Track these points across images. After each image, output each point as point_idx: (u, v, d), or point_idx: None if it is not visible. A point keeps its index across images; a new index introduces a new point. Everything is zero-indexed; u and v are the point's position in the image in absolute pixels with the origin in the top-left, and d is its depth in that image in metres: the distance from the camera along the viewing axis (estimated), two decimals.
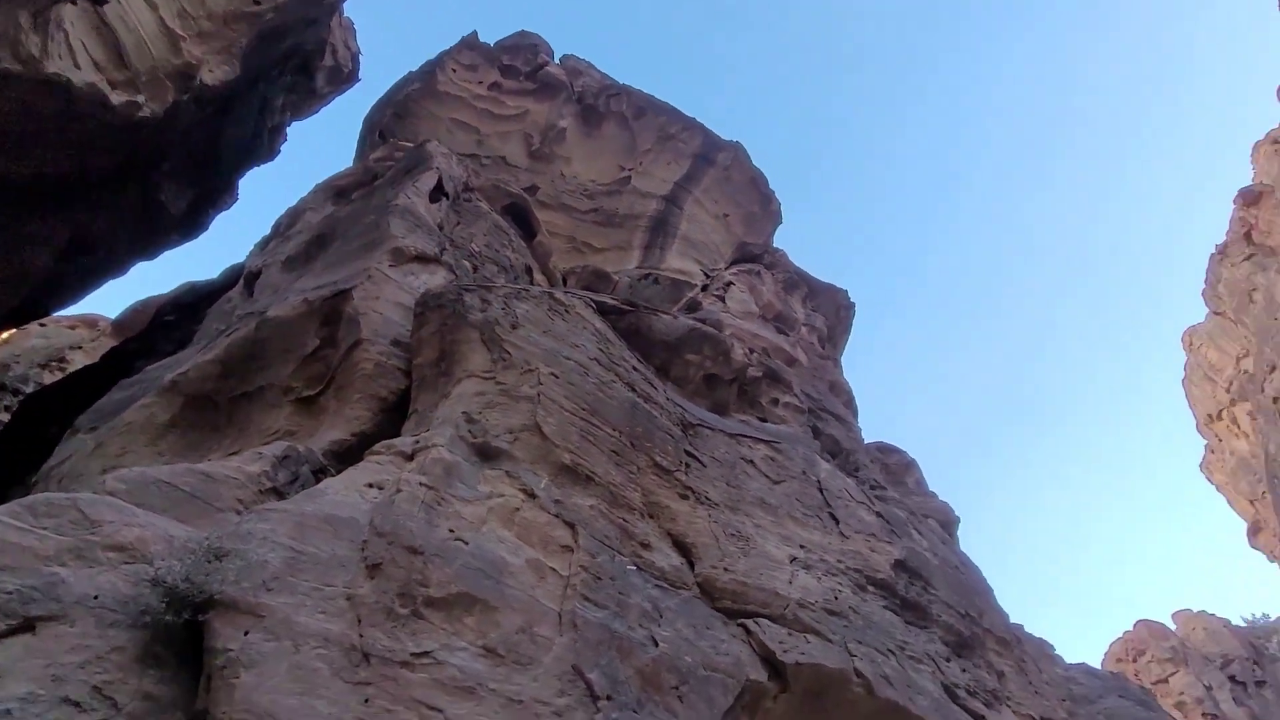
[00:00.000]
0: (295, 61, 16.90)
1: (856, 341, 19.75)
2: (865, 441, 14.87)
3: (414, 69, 17.12)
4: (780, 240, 20.27)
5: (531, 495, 6.19)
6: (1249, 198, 28.12)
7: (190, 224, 15.74)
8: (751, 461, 9.20)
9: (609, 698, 5.18)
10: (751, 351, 12.53)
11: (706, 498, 7.89)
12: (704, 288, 16.28)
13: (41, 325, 18.37)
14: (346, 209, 11.31)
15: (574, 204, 16.38)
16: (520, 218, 14.49)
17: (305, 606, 4.57)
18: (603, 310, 9.82)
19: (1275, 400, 26.20)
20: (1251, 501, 30.48)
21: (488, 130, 16.55)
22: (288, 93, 17.29)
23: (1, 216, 12.05)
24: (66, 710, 3.63)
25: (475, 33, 17.23)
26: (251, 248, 13.23)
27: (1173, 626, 34.46)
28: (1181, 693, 30.30)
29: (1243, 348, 28.61)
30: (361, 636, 4.59)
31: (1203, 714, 29.47)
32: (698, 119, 18.14)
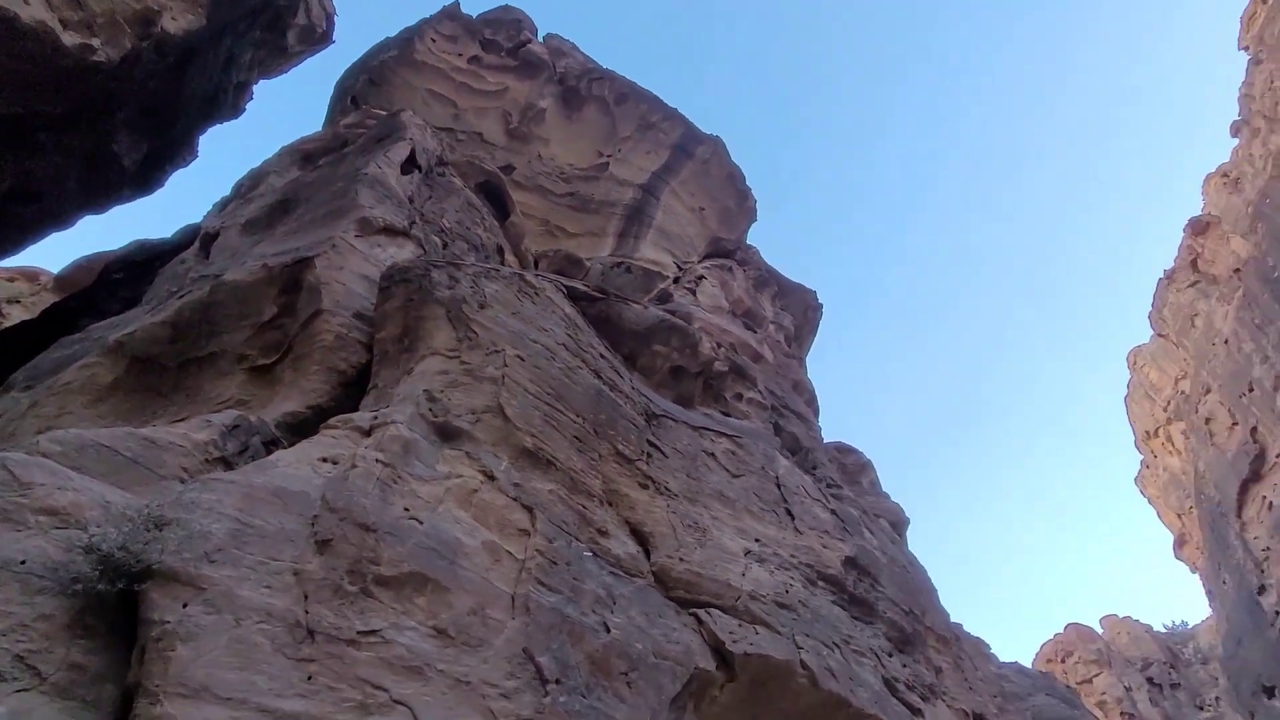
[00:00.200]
0: (266, 17, 16.19)
1: (820, 343, 20.09)
2: (824, 441, 15.16)
3: (392, 35, 16.61)
4: (752, 238, 20.43)
5: (491, 477, 6.13)
6: (1197, 227, 29.47)
7: (144, 179, 15.00)
8: (713, 454, 9.29)
9: (558, 681, 5.18)
10: (719, 346, 12.61)
11: (666, 488, 7.93)
12: (676, 280, 16.29)
13: None
14: (313, 174, 10.94)
15: (550, 186, 16.16)
16: (494, 196, 14.25)
17: (249, 580, 4.44)
18: (573, 296, 9.75)
19: (1207, 421, 27.66)
20: (1179, 516, 32.19)
21: (465, 105, 16.18)
22: (256, 49, 16.57)
23: None
24: None
25: (457, 3, 16.79)
26: (209, 208, 12.71)
27: (1100, 630, 36.32)
28: (1103, 692, 32.01)
29: (1181, 369, 30.09)
30: (307, 613, 4.49)
31: (1121, 713, 31.19)
32: (679, 110, 18.09)
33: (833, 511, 10.43)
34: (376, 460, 5.50)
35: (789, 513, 9.49)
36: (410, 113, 12.91)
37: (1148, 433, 33.13)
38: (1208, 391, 27.57)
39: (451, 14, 16.49)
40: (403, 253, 8.54)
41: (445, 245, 10.10)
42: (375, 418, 6.01)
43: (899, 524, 15.24)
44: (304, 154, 12.56)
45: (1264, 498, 24.62)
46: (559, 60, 17.04)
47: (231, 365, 7.61)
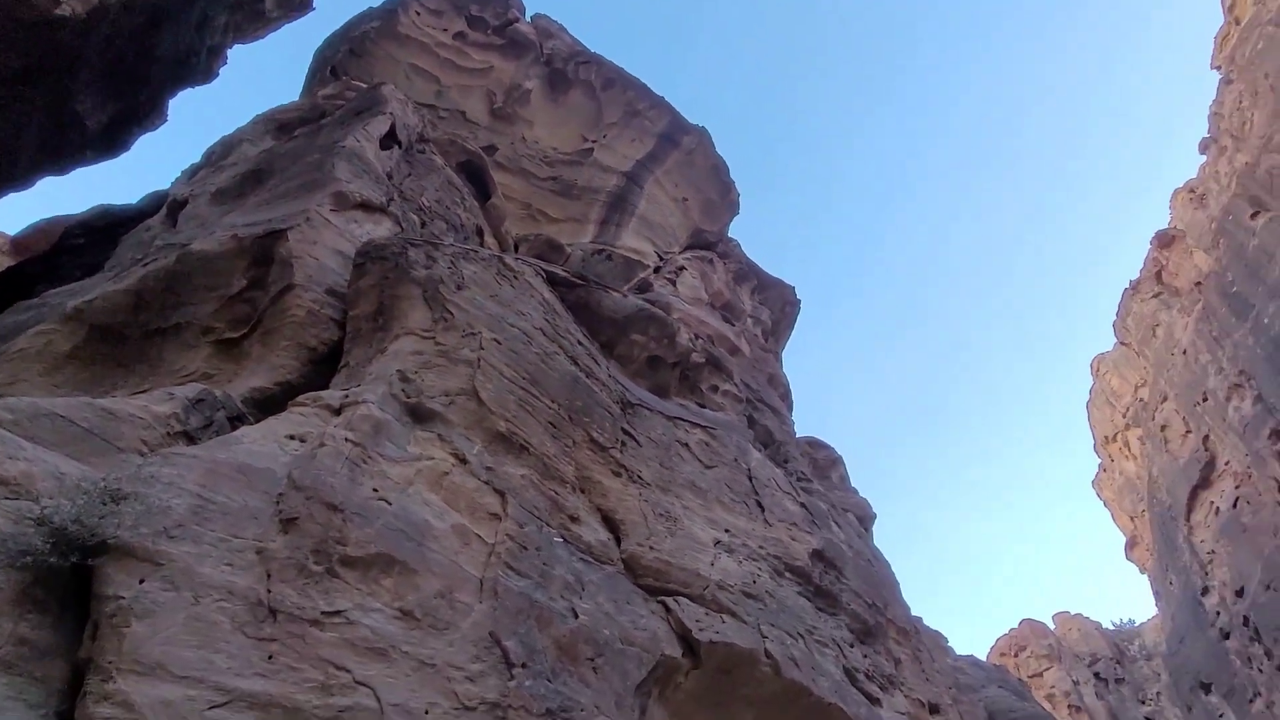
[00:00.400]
0: None
1: (794, 338, 20.27)
2: (797, 435, 15.34)
3: (375, 5, 16.16)
4: (733, 231, 20.46)
5: (463, 460, 6.07)
6: (1163, 240, 30.35)
7: (109, 141, 14.41)
8: (686, 445, 9.33)
9: (524, 665, 5.18)
10: (697, 338, 12.64)
11: (639, 477, 7.95)
12: (656, 270, 16.26)
13: None
14: (288, 145, 10.63)
15: (533, 170, 15.96)
16: (475, 177, 14.03)
17: (210, 557, 4.34)
18: (553, 281, 9.66)
19: (1162, 428, 28.64)
20: (1132, 518, 33.37)
21: (449, 81, 15.86)
22: (232, 12, 15.98)
23: None
24: None
25: None
26: (178, 175, 12.29)
27: (1052, 626, 37.63)
28: (1053, 686, 33.21)
29: (1142, 377, 31.06)
30: (270, 592, 4.41)
31: (1069, 706, 32.41)
32: (666, 99, 17.98)
33: (802, 505, 10.57)
34: (346, 439, 5.40)
35: (759, 504, 9.59)
36: (391, 86, 12.61)
37: (1107, 437, 34.20)
38: (1165, 400, 28.53)
39: None
40: (379, 229, 8.36)
41: (423, 224, 9.92)
42: (346, 396, 5.91)
43: (866, 519, 15.53)
44: (279, 123, 12.20)
45: (1212, 503, 25.63)
46: (546, 41, 16.78)
47: (197, 338, 7.40)
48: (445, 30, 15.90)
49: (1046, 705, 27.42)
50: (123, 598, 3.92)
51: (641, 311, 10.88)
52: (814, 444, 17.08)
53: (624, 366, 10.40)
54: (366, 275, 7.08)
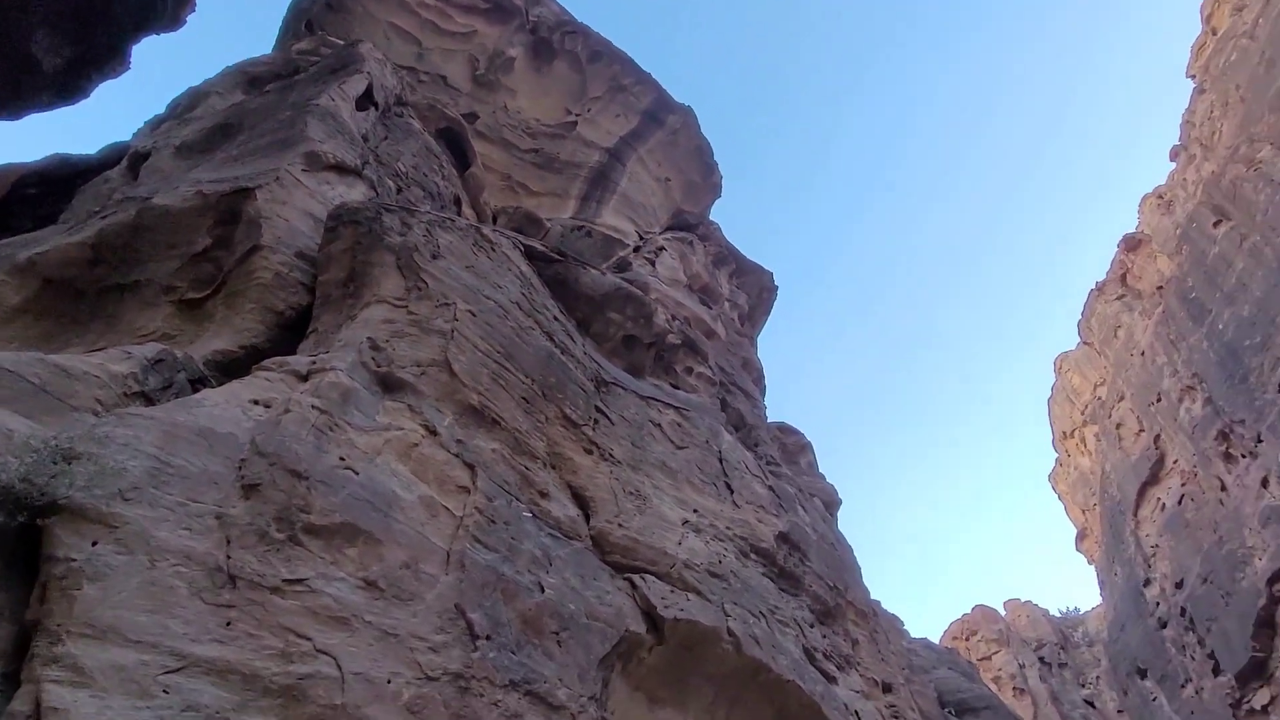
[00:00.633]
0: None
1: (768, 323, 20.42)
2: (768, 420, 15.52)
3: None
4: (712, 214, 20.38)
5: (433, 432, 5.99)
6: (1130, 244, 31.19)
7: (67, 86, 13.67)
8: (659, 425, 9.36)
9: (488, 638, 5.19)
10: (674, 319, 12.64)
11: (610, 455, 7.96)
12: (636, 249, 16.15)
13: None
14: (259, 100, 10.22)
15: (514, 140, 15.63)
16: (455, 144, 13.70)
17: (167, 521, 4.23)
18: (530, 255, 9.53)
19: (1118, 426, 29.69)
20: (1084, 511, 34.69)
21: (430, 44, 15.38)
22: None
23: None
24: None
25: None
26: (140, 126, 11.74)
27: (1003, 613, 39.18)
28: (1000, 669, 34.68)
29: (1101, 377, 32.08)
30: (229, 558, 4.32)
31: (1014, 688, 33.88)
32: (652, 75, 17.72)
33: (770, 488, 10.73)
34: (313, 406, 5.29)
35: (728, 486, 9.70)
36: (370, 45, 12.17)
37: (1065, 433, 35.36)
38: (1121, 399, 29.55)
39: None
40: (353, 193, 8.12)
41: (399, 190, 9.67)
42: (314, 363, 5.77)
43: (831, 504, 15.84)
44: (250, 77, 11.71)
45: (1159, 499, 26.76)
46: (533, 8, 16.35)
47: (158, 296, 7.14)
48: None
49: (993, 687, 28.60)
50: (74, 560, 3.80)
51: (619, 290, 10.82)
52: (784, 429, 17.31)
53: (600, 344, 10.36)
54: (338, 239, 6.89)
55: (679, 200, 18.42)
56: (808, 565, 10.09)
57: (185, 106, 11.00)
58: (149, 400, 5.35)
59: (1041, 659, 36.17)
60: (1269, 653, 20.35)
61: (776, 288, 19.95)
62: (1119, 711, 32.78)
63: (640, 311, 11.14)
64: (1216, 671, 22.29)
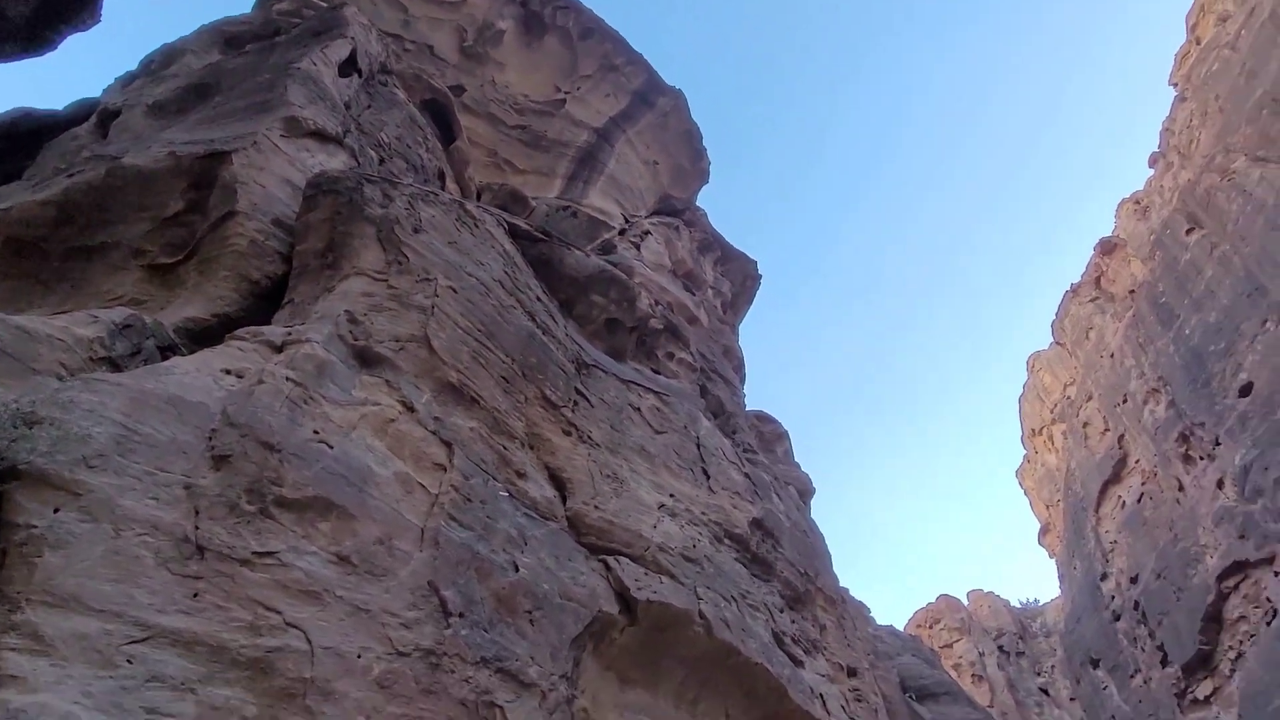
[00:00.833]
0: None
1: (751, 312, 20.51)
2: (746, 408, 15.63)
3: None
4: (700, 201, 20.30)
5: (410, 409, 5.93)
6: (1105, 247, 31.80)
7: (33, 35, 13.07)
8: (638, 409, 9.37)
9: (461, 615, 5.19)
10: (657, 304, 12.61)
11: (589, 437, 7.96)
12: (621, 232, 16.04)
13: None
14: (237, 61, 9.88)
15: (501, 116, 15.35)
16: (440, 117, 13.43)
17: (133, 490, 4.14)
18: (515, 234, 9.41)
19: (1084, 425, 30.48)
20: (1048, 507, 35.66)
21: (417, 12, 14.98)
22: None
23: None
24: None
25: None
26: (111, 82, 11.29)
27: (966, 602, 40.33)
28: (960, 656, 35.76)
29: (1071, 377, 32.84)
30: (197, 529, 4.25)
31: (972, 675, 34.97)
32: (644, 56, 17.49)
33: (746, 475, 10.83)
34: (287, 378, 5.19)
35: (705, 472, 9.77)
36: (354, 9, 11.82)
37: (1034, 430, 36.20)
38: (1089, 399, 30.30)
39: None
40: (333, 161, 7.92)
41: (381, 161, 9.45)
42: (289, 334, 5.65)
43: (806, 493, 16.06)
44: (228, 36, 11.31)
45: (1119, 497, 27.60)
46: None
47: (127, 259, 6.92)
48: None
49: (953, 673, 29.50)
50: (35, 526, 3.70)
51: (603, 273, 10.75)
52: (762, 418, 17.45)
53: (582, 326, 10.30)
54: (317, 208, 6.72)
55: (666, 185, 18.31)
56: (780, 552, 10.24)
57: (159, 64, 10.60)
58: (116, 366, 5.20)
59: (1000, 648, 37.37)
60: (1215, 646, 21.24)
61: (760, 276, 20.00)
62: (1071, 699, 34.04)
63: (624, 295, 11.09)
64: (1165, 663, 23.22)
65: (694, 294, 16.41)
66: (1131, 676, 25.27)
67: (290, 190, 7.28)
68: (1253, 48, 22.00)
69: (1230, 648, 20.67)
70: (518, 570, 5.89)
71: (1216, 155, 23.21)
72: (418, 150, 10.89)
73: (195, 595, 4.05)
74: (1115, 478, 27.73)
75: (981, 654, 36.31)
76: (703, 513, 9.01)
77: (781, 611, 9.55)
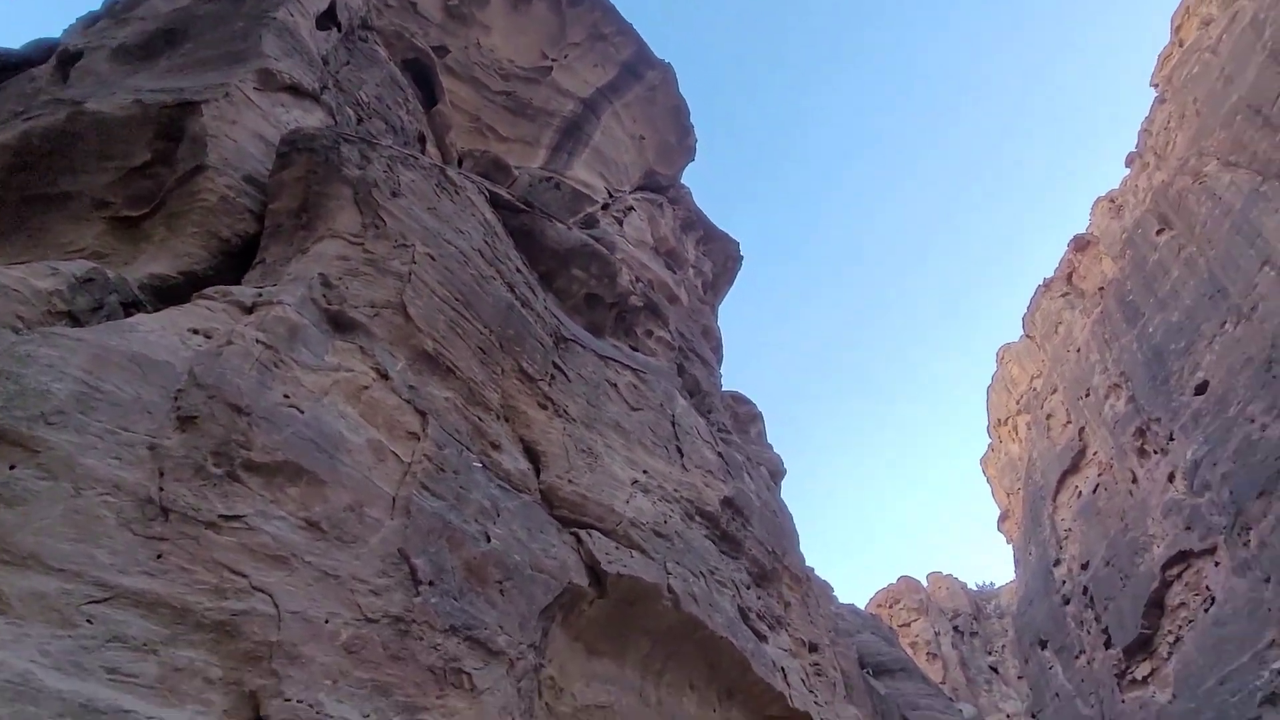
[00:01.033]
0: None
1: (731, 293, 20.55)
2: (722, 388, 15.74)
3: None
4: (685, 178, 20.12)
5: (384, 376, 5.85)
6: (1079, 244, 32.40)
7: None
8: (615, 385, 9.38)
9: (431, 583, 5.20)
10: (638, 281, 12.55)
11: (565, 411, 7.96)
12: (604, 206, 15.85)
13: None
14: (209, 6, 9.42)
15: (486, 80, 14.95)
16: (422, 78, 13.04)
17: (95, 449, 4.04)
18: (496, 203, 9.25)
19: (1048, 417, 31.36)
20: (1009, 494, 36.78)
21: None
22: None
23: None
24: None
25: None
26: (72, 23, 10.70)
27: (925, 584, 41.67)
28: (917, 635, 37.06)
29: (1038, 370, 33.66)
30: (162, 490, 4.17)
31: (927, 653, 36.29)
32: (634, 27, 17.13)
33: (720, 454, 10.96)
34: (257, 340, 5.07)
35: (679, 450, 9.86)
36: None
37: (999, 420, 37.14)
38: (1054, 391, 31.14)
39: None
40: (309, 118, 7.66)
41: (359, 120, 9.17)
42: (260, 295, 5.51)
43: (776, 474, 16.32)
44: None
45: (1076, 487, 28.58)
46: None
47: (89, 210, 6.65)
48: None
49: (909, 651, 30.57)
50: None
51: (585, 247, 10.65)
52: (737, 399, 17.61)
53: (561, 300, 10.23)
54: (292, 166, 6.51)
55: (652, 160, 18.10)
56: (749, 530, 10.42)
57: (124, 6, 10.06)
58: (76, 321, 5.02)
59: (955, 628, 38.81)
60: (1155, 630, 22.31)
61: (742, 258, 20.00)
62: (1019, 678, 35.57)
63: (605, 270, 11.02)
64: (1108, 645, 24.34)
65: (675, 272, 16.37)
66: (1076, 657, 26.46)
67: (263, 146, 7.03)
68: (1232, 53, 22.37)
69: (1169, 632, 21.74)
70: (489, 541, 5.91)
71: (1191, 158, 23.69)
72: (398, 111, 10.58)
73: (159, 556, 3.99)
74: (1074, 468, 28.68)
75: (937, 633, 37.69)
76: (675, 490, 9.12)
77: (748, 588, 9.75)
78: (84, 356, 4.27)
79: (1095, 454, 27.30)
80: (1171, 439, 22.26)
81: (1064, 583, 28.07)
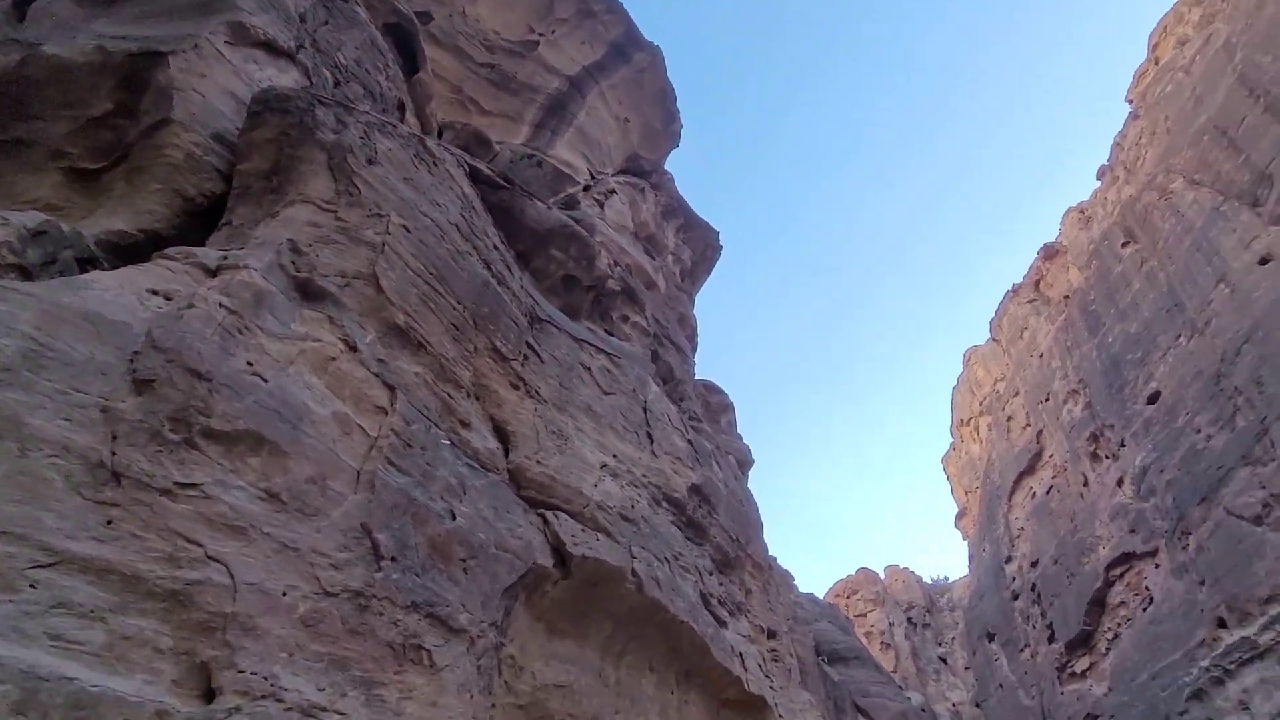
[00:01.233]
0: None
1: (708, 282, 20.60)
2: (695, 377, 15.81)
3: None
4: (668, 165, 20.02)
5: (353, 348, 5.73)
6: (1048, 252, 33.21)
7: None
8: (589, 369, 9.35)
9: (394, 559, 5.15)
10: (616, 265, 12.48)
11: (537, 392, 7.91)
12: (586, 188, 15.69)
13: None
14: None
15: (470, 51, 14.60)
16: (404, 44, 12.67)
17: (44, 409, 3.88)
18: (475, 178, 9.08)
19: (1008, 419, 32.28)
20: (967, 493, 37.87)
21: None
22: None
23: None
24: None
25: None
26: None
27: (883, 576, 42.82)
28: (872, 625, 38.11)
29: (1002, 372, 34.56)
30: (114, 454, 4.03)
31: (881, 643, 37.37)
32: (624, 6, 16.88)
33: (689, 442, 11.03)
34: (220, 305, 4.91)
35: (650, 436, 9.89)
36: None
37: (962, 420, 38.11)
38: (1016, 394, 32.03)
39: None
40: (284, 78, 7.39)
41: (337, 84, 8.88)
42: (225, 258, 5.33)
43: (744, 464, 16.51)
44: None
45: (1031, 488, 29.53)
46: None
47: (45, 161, 6.33)
48: None
49: (864, 640, 31.43)
50: None
51: (565, 228, 10.54)
52: (709, 388, 17.72)
53: (538, 281, 10.12)
54: (263, 126, 6.29)
55: (636, 144, 17.95)
56: (715, 518, 10.54)
57: None
58: (27, 275, 4.80)
59: (909, 619, 40.01)
60: (1096, 627, 23.30)
61: (721, 247, 20.04)
62: (966, 669, 36.88)
63: (583, 253, 10.93)
64: (1051, 639, 25.36)
65: (654, 259, 16.32)
66: (1021, 650, 27.52)
67: (234, 104, 6.77)
68: (1204, 74, 23.00)
69: (1109, 629, 22.74)
70: (455, 519, 5.86)
71: (1159, 174, 24.38)
72: (377, 77, 10.27)
73: (109, 522, 3.87)
74: (1030, 470, 29.62)
75: (891, 624, 38.82)
76: (644, 475, 9.16)
77: (711, 574, 9.88)
78: (34, 312, 4.09)
79: (1051, 457, 28.21)
80: (1123, 445, 23.11)
81: (1014, 579, 29.09)
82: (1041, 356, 30.05)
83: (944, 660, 39.05)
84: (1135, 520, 21.76)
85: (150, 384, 4.31)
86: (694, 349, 16.89)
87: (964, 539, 37.99)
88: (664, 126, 18.20)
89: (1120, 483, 23.04)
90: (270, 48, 7.50)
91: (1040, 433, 29.04)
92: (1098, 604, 23.12)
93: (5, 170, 6.36)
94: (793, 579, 20.67)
